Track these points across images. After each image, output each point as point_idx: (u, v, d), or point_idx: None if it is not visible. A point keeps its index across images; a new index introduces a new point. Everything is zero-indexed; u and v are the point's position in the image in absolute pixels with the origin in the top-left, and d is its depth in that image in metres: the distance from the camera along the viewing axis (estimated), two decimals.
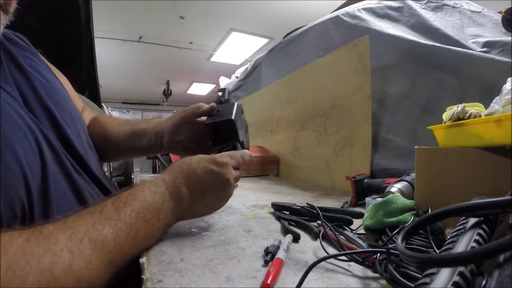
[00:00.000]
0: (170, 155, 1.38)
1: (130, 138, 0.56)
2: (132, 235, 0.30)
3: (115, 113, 6.91)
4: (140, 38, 3.75)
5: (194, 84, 5.96)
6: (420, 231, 0.32)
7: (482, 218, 0.23)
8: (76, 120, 0.46)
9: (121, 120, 0.62)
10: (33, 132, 0.33)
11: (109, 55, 4.15)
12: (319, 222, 0.46)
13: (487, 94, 0.46)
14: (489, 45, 0.72)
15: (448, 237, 0.24)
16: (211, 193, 0.40)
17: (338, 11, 1.14)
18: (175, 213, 0.37)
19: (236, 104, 0.49)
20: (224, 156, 0.42)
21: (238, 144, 0.48)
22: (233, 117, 0.46)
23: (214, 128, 0.46)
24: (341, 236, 0.40)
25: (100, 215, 0.29)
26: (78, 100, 0.58)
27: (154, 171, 5.09)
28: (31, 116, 0.36)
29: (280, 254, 0.33)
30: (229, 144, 0.47)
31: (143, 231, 0.32)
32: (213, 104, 0.50)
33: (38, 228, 0.25)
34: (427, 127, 0.48)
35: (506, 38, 0.71)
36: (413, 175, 0.52)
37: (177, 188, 0.38)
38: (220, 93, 0.54)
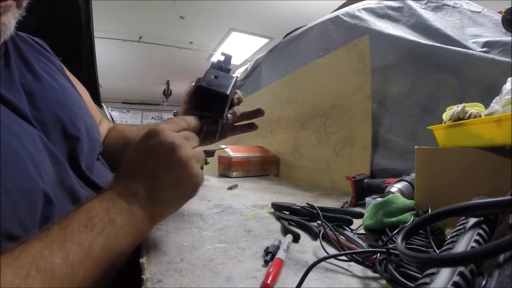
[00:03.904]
0: None
1: None
2: (85, 253, 0.25)
3: (115, 113, 6.92)
4: (140, 38, 3.75)
5: None
6: (420, 231, 0.32)
7: (482, 218, 0.23)
8: (90, 129, 0.44)
9: (139, 126, 0.61)
10: (30, 154, 0.30)
11: (109, 55, 4.16)
12: (319, 222, 0.46)
13: (487, 94, 0.46)
14: (489, 45, 0.72)
15: (448, 237, 0.24)
16: (163, 168, 0.32)
17: (338, 11, 1.14)
18: (136, 214, 0.30)
19: (235, 78, 0.45)
20: (155, 125, 0.34)
21: (221, 121, 0.44)
22: (228, 93, 0.42)
23: (205, 93, 0.42)
24: (341, 236, 0.40)
25: (47, 239, 0.24)
26: (96, 112, 0.57)
27: None
28: (35, 130, 0.34)
29: (280, 254, 0.33)
30: (211, 117, 0.42)
31: (99, 245, 0.26)
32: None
33: None
34: (427, 127, 0.48)
35: (506, 38, 0.71)
36: (413, 175, 0.52)
37: (124, 186, 0.31)
38: (222, 57, 0.48)
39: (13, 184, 0.27)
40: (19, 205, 0.27)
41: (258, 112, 0.51)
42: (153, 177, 0.31)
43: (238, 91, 0.50)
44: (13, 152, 0.29)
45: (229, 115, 0.47)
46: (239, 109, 0.50)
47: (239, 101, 0.50)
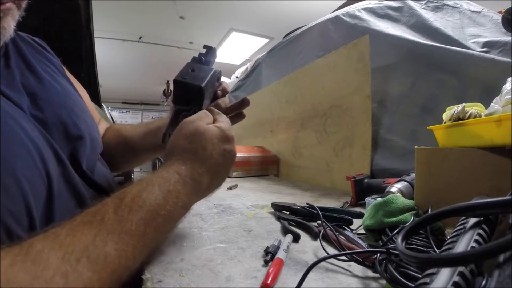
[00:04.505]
0: None
1: (145, 137, 0.56)
2: (141, 246, 0.26)
3: (115, 113, 6.91)
4: (140, 38, 3.74)
5: None
6: (420, 231, 0.32)
7: (482, 218, 0.23)
8: (91, 130, 0.44)
9: (135, 124, 0.62)
10: (37, 148, 0.31)
11: (109, 55, 4.15)
12: (319, 222, 0.46)
13: (487, 94, 0.46)
14: (489, 45, 0.72)
15: (448, 237, 0.24)
16: (225, 171, 0.38)
17: (338, 11, 1.14)
18: (187, 207, 0.33)
19: (213, 71, 0.45)
20: (230, 129, 0.38)
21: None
22: (203, 85, 0.41)
23: (181, 87, 0.42)
24: (341, 236, 0.40)
25: (100, 227, 0.24)
26: (95, 112, 0.57)
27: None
28: (38, 127, 0.34)
29: (280, 254, 0.33)
30: (190, 110, 0.42)
31: (155, 239, 0.28)
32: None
33: (26, 247, 0.20)
34: (427, 127, 0.48)
35: (506, 38, 0.71)
36: (413, 175, 0.52)
37: (195, 181, 0.33)
38: (204, 50, 0.47)
39: (22, 174, 0.28)
40: (27, 193, 0.28)
41: (243, 103, 0.51)
42: (219, 176, 0.37)
43: (224, 82, 0.49)
44: (23, 145, 0.29)
45: (211, 108, 0.47)
46: (225, 100, 0.49)
47: (224, 92, 0.49)
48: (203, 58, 0.46)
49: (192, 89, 0.41)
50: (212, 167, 0.35)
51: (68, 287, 0.20)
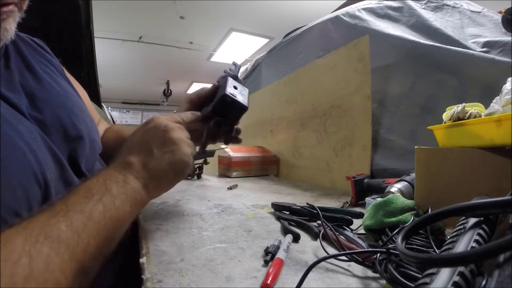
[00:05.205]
0: None
1: None
2: (87, 219, 0.27)
3: (115, 113, 6.91)
4: (140, 38, 3.75)
5: (194, 84, 5.96)
6: (420, 231, 0.32)
7: (482, 218, 0.23)
8: (91, 130, 0.44)
9: (135, 126, 0.63)
10: (33, 152, 0.31)
11: (109, 55, 4.16)
12: (319, 222, 0.46)
13: (487, 94, 0.46)
14: (489, 45, 0.72)
15: (448, 237, 0.24)
16: (157, 144, 0.36)
17: (338, 11, 1.14)
18: (131, 183, 0.33)
19: (248, 91, 0.50)
20: (158, 117, 0.40)
21: (235, 128, 0.51)
22: (247, 105, 0.46)
23: (228, 102, 0.44)
24: (341, 236, 0.40)
25: (51, 210, 0.26)
26: (95, 113, 0.57)
27: None
28: (37, 129, 0.34)
29: (280, 254, 0.33)
30: (226, 124, 0.47)
31: (99, 212, 0.28)
32: (216, 84, 0.50)
33: (1, 237, 0.22)
34: (427, 127, 0.48)
35: (506, 38, 0.71)
36: (413, 175, 0.52)
37: (120, 162, 0.35)
38: (234, 67, 0.51)
39: (16, 181, 0.28)
40: (21, 200, 0.28)
41: (238, 140, 0.57)
42: (148, 152, 0.36)
43: None
44: (18, 150, 0.29)
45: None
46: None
47: None
48: (237, 75, 0.50)
49: (237, 105, 0.45)
50: (135, 146, 0.37)
51: (33, 266, 0.22)
